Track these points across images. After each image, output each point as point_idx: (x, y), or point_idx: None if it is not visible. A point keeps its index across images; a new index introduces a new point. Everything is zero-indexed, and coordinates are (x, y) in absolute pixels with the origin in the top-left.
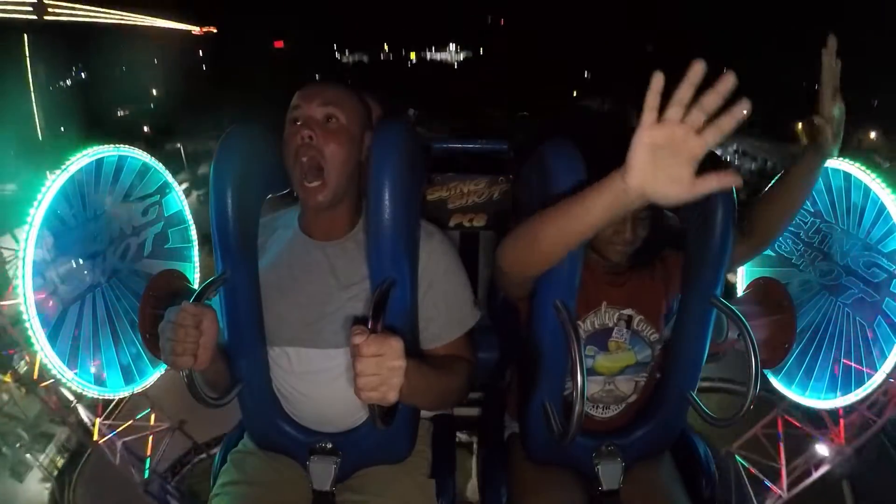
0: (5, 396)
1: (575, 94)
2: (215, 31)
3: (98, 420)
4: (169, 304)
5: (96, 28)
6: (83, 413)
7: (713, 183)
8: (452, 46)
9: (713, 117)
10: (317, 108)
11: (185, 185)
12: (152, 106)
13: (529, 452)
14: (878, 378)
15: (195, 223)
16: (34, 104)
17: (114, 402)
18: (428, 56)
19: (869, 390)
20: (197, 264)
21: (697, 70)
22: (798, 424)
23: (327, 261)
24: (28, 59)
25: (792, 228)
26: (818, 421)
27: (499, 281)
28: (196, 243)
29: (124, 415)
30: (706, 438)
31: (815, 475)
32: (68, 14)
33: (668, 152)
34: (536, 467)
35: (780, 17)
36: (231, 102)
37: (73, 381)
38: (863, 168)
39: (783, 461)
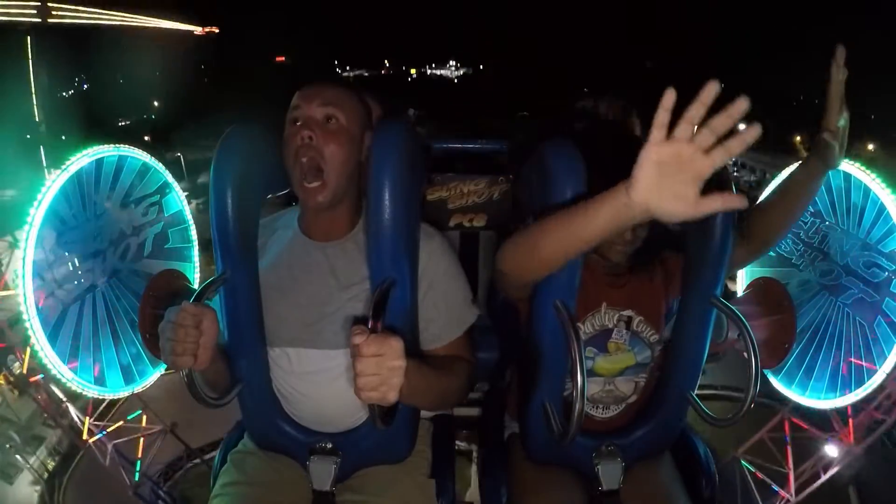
0: None
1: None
2: (217, 31)
3: (88, 420)
4: (169, 304)
5: (98, 32)
6: (73, 412)
7: (717, 203)
8: (452, 63)
9: (722, 138)
10: (317, 109)
11: (185, 195)
12: (153, 116)
13: (529, 452)
14: (878, 378)
15: (195, 230)
16: (35, 109)
17: (105, 403)
18: (428, 71)
19: (869, 390)
20: (197, 264)
21: (711, 90)
22: (805, 426)
23: (327, 261)
24: (31, 61)
25: (792, 228)
26: (824, 423)
27: (498, 283)
28: (196, 244)
29: (116, 416)
30: (708, 443)
31: (824, 477)
32: (71, 16)
33: (675, 170)
34: (536, 467)
35: (779, 31)
36: (231, 108)
37: (72, 381)
38: (863, 168)
39: (790, 464)
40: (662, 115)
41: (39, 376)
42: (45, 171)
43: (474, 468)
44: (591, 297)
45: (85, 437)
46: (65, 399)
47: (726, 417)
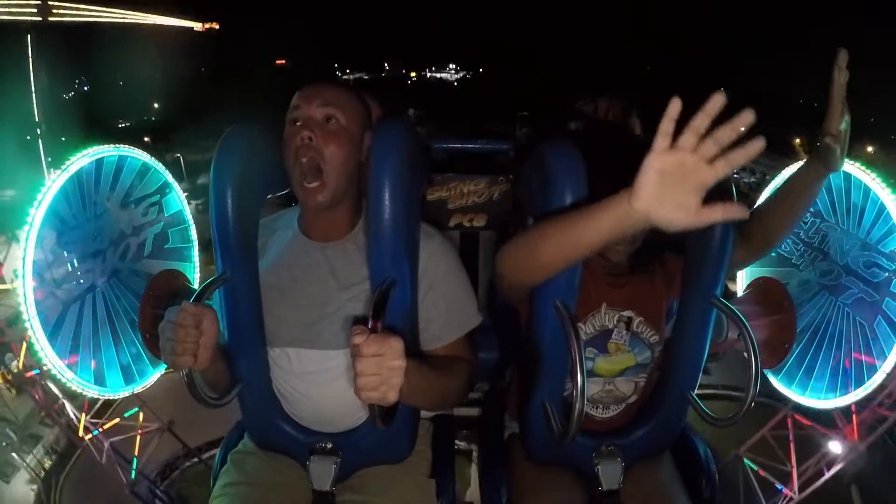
0: None
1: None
2: (217, 27)
3: (84, 417)
4: (169, 304)
5: (98, 31)
6: (70, 409)
7: (718, 214)
8: (452, 66)
9: (725, 148)
10: (316, 109)
11: (185, 195)
12: (153, 118)
13: (529, 452)
14: (878, 377)
15: (195, 229)
16: (35, 108)
17: (102, 401)
18: (427, 74)
19: (869, 390)
20: (197, 264)
21: (717, 101)
22: (808, 422)
23: (327, 262)
24: (31, 60)
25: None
26: (827, 420)
27: (498, 285)
28: (196, 244)
29: (113, 414)
30: (710, 442)
31: (828, 474)
32: (72, 14)
33: (677, 179)
34: (536, 467)
35: (779, 31)
36: (231, 108)
37: (72, 381)
38: (863, 168)
39: (794, 462)
40: (667, 124)
41: (34, 371)
42: (45, 170)
43: (474, 468)
44: (591, 297)
45: (81, 433)
46: (61, 396)
47: (727, 417)
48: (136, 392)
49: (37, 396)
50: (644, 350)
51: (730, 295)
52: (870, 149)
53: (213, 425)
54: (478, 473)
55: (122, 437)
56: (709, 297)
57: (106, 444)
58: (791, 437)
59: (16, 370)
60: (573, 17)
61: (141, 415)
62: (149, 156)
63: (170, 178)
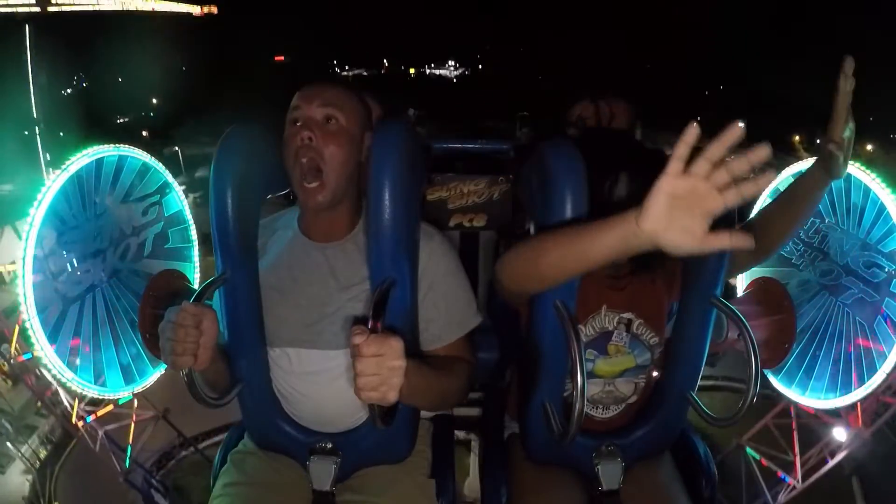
0: None
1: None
2: (216, 11)
3: (77, 403)
4: (169, 304)
5: (96, 21)
6: (63, 396)
7: (725, 241)
8: (451, 63)
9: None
10: (316, 109)
11: (181, 189)
12: (151, 114)
13: (529, 452)
14: (878, 378)
15: (193, 223)
16: (33, 101)
17: None
18: (427, 71)
19: (869, 390)
20: (197, 264)
21: (735, 132)
22: (811, 410)
23: (327, 262)
24: (29, 51)
25: None
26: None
27: (499, 291)
28: (196, 243)
29: (107, 401)
30: (712, 433)
31: (831, 462)
32: (70, 3)
33: (687, 204)
34: (536, 467)
35: (780, 34)
36: (230, 101)
37: (72, 381)
38: (863, 168)
39: (797, 450)
40: (682, 149)
41: (25, 355)
42: (42, 160)
43: (473, 457)
44: (591, 299)
45: (74, 420)
46: (54, 382)
47: (726, 417)
48: (135, 392)
49: (30, 383)
50: (644, 352)
51: (730, 294)
52: (869, 147)
53: (209, 415)
54: (478, 470)
55: (116, 424)
56: (709, 297)
57: (100, 433)
58: (794, 426)
59: (12, 360)
60: (573, 14)
61: (136, 402)
62: (149, 156)
63: (170, 177)
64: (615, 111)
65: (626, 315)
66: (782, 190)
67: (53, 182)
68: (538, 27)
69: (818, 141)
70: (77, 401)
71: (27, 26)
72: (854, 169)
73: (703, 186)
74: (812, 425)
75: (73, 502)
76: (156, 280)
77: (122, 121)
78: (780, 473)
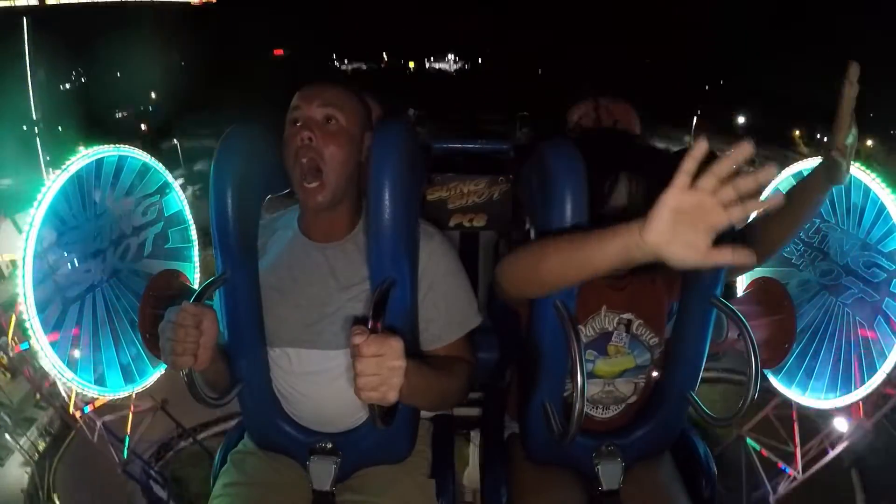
0: None
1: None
2: (214, 0)
3: (74, 393)
4: (169, 304)
5: (94, 17)
6: (60, 386)
7: (727, 257)
8: (451, 57)
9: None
10: (316, 109)
11: (180, 181)
12: (150, 108)
13: (529, 452)
14: (878, 378)
15: (192, 217)
16: (31, 97)
17: None
18: (427, 65)
19: (869, 390)
20: (197, 264)
21: (744, 150)
22: None
23: (327, 262)
24: (27, 45)
25: None
26: None
27: (499, 294)
28: (196, 243)
29: None
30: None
31: (833, 453)
32: None
33: (692, 218)
34: (536, 467)
35: (780, 30)
36: (228, 98)
37: (73, 381)
38: (863, 168)
39: (797, 441)
40: (690, 164)
41: (22, 345)
42: (42, 162)
43: (472, 447)
44: (591, 299)
45: (72, 411)
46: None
47: (726, 417)
48: (135, 392)
49: (28, 374)
50: (644, 352)
51: (730, 294)
52: (869, 142)
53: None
54: (476, 455)
55: (114, 415)
56: (709, 297)
57: (98, 423)
58: (794, 417)
59: (12, 353)
60: (572, 12)
61: (134, 393)
62: (149, 156)
63: (170, 177)
64: (616, 111)
65: (626, 315)
66: (783, 191)
67: (53, 182)
68: (538, 23)
69: (818, 136)
70: (74, 391)
71: (25, 19)
72: (854, 169)
73: (709, 202)
74: (813, 416)
75: (72, 494)
76: (156, 280)
77: (120, 115)
78: (781, 464)
